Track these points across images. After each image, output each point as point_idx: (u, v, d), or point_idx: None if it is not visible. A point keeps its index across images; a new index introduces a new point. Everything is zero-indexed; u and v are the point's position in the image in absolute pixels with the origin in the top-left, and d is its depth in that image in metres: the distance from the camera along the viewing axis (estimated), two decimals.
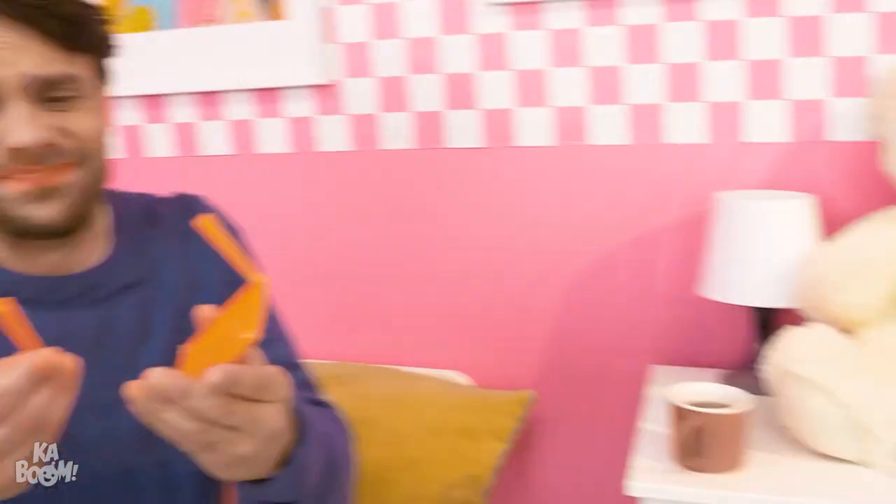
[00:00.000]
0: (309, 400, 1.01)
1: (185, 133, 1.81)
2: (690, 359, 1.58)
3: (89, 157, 0.86)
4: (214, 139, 1.79)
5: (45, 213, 0.83)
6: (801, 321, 1.26)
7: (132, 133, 1.84)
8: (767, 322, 1.39)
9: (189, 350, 0.67)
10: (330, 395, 1.52)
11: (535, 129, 1.58)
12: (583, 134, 1.56)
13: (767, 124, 1.46)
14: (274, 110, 1.73)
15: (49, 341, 0.82)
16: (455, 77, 1.60)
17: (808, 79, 1.42)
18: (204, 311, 0.68)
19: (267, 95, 1.73)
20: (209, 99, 1.77)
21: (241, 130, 1.77)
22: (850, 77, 1.40)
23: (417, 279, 1.71)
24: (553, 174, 1.59)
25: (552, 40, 1.53)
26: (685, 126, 1.50)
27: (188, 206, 1.04)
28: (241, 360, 0.65)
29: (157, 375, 0.62)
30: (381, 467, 1.41)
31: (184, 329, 0.91)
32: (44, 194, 0.83)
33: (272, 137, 1.75)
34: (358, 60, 1.66)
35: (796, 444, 1.19)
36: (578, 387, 1.66)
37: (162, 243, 0.99)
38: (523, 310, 1.66)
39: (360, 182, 1.71)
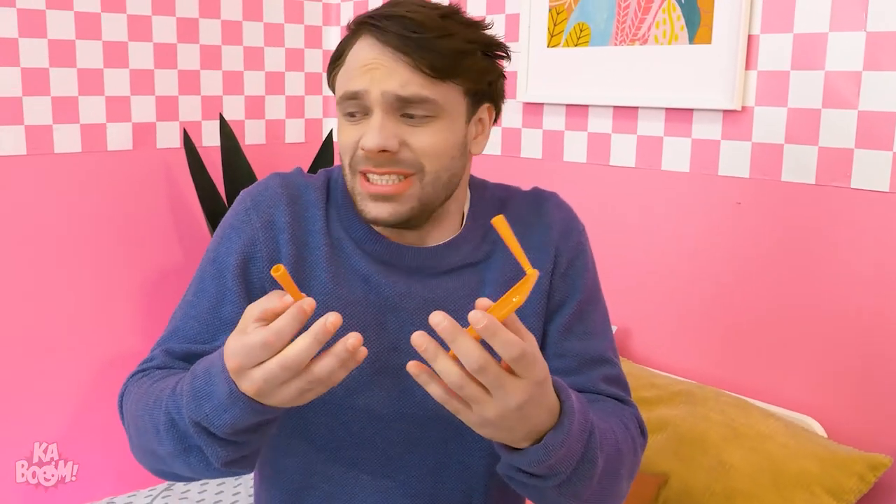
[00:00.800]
0: (612, 395, 1.09)
1: (600, 143, 1.94)
2: None
3: (426, 169, 1.01)
4: (624, 151, 1.90)
5: (378, 212, 1.02)
6: None
7: (555, 138, 2.03)
8: None
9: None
10: (672, 410, 1.56)
11: None
12: None
13: None
14: (681, 130, 1.79)
15: (391, 300, 1.02)
16: (868, 115, 1.51)
17: None
18: (482, 302, 0.80)
19: (677, 115, 1.80)
20: (623, 113, 1.89)
21: (650, 146, 1.85)
22: None
23: (791, 312, 1.65)
24: None
25: None
26: None
27: (539, 200, 1.15)
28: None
29: (439, 318, 0.76)
30: (700, 491, 1.42)
31: None
32: (379, 198, 1.01)
33: (677, 156, 1.81)
34: (772, 89, 1.64)
35: None
36: None
37: None
38: None
39: (756, 209, 1.70)
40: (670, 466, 1.49)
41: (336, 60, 1.05)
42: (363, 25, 1.01)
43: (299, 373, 0.77)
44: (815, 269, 1.62)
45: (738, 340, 1.74)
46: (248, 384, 0.79)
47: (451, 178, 1.05)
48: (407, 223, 1.04)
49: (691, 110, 1.78)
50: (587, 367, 1.09)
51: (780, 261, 1.67)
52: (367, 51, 0.99)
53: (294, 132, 2.69)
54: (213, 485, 2.44)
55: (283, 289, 0.78)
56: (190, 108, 2.44)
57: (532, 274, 0.79)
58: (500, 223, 0.80)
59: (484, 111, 1.08)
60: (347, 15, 2.66)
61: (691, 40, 1.75)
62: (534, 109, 2.08)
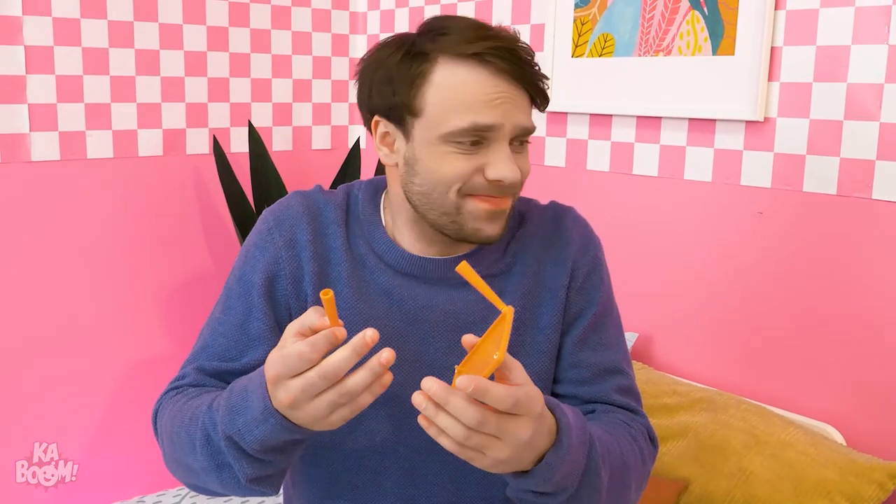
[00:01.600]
0: (624, 405, 1.11)
1: (623, 152, 1.97)
2: None
3: (519, 188, 1.07)
4: (647, 160, 1.92)
5: (492, 229, 1.05)
6: None
7: (579, 146, 2.06)
8: None
9: (459, 369, 0.85)
10: (693, 417, 1.58)
11: None
12: None
13: None
14: (704, 140, 1.81)
15: (413, 313, 1.05)
16: (890, 127, 1.53)
17: None
18: (468, 339, 0.86)
19: (700, 125, 1.82)
20: (646, 123, 1.91)
21: (672, 156, 1.87)
22: None
23: (811, 321, 1.67)
24: None
25: None
26: None
27: (557, 215, 1.18)
28: (501, 378, 0.84)
29: (429, 384, 0.80)
30: (720, 497, 1.44)
31: (521, 322, 1.08)
32: (495, 216, 1.04)
33: (699, 166, 1.83)
34: (795, 100, 1.66)
35: None
36: None
37: (523, 243, 1.14)
38: None
39: (777, 219, 1.71)
40: (691, 472, 1.51)
41: (415, 80, 1.02)
42: (470, 56, 1.00)
43: (334, 384, 0.81)
44: (836, 279, 1.63)
45: (759, 348, 1.76)
46: (285, 394, 0.82)
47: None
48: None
49: (714, 121, 1.80)
50: (601, 377, 1.12)
51: (801, 270, 1.68)
52: (490, 82, 1.00)
53: (321, 139, 2.73)
54: None
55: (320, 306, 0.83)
56: (219, 115, 2.48)
57: (507, 311, 0.83)
58: (464, 270, 0.84)
59: None
60: (374, 24, 2.69)
61: (715, 51, 1.77)
62: (558, 118, 2.11)
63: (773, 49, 1.68)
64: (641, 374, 1.80)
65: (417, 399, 0.82)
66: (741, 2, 1.71)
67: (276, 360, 0.83)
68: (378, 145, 1.08)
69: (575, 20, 2.03)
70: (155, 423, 1.10)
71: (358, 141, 2.55)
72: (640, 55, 1.90)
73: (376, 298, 1.08)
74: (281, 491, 1.09)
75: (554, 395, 1.12)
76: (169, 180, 2.42)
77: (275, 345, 1.04)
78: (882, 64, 1.53)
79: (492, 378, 0.81)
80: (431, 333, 1.08)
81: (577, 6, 2.02)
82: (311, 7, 2.63)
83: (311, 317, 0.83)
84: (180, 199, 2.45)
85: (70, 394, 2.33)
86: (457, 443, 0.82)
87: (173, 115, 2.39)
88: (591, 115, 2.03)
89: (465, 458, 0.84)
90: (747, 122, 1.74)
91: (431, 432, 0.83)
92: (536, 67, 1.03)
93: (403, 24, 2.57)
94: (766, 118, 1.71)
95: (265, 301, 1.07)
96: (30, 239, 2.21)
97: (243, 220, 2.32)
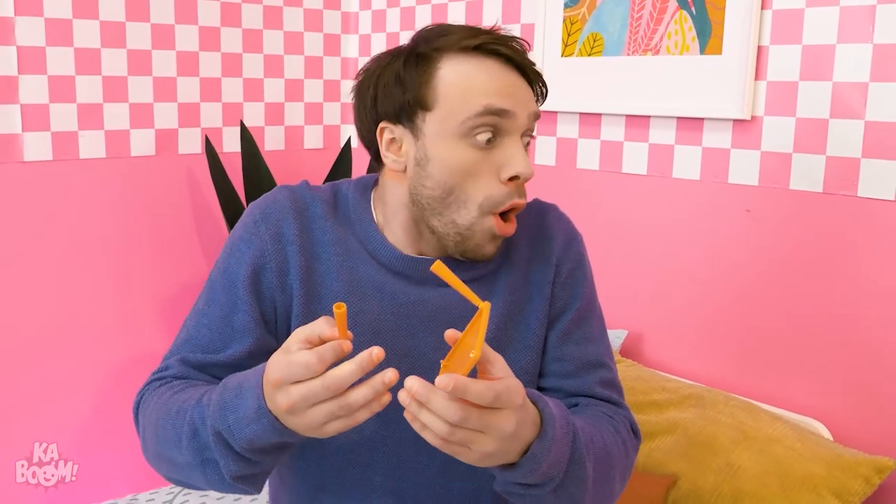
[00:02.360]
0: (607, 398, 1.13)
1: (613, 150, 1.98)
2: None
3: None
4: (636, 159, 1.94)
5: (491, 248, 1.07)
6: None
7: (568, 145, 2.07)
8: None
9: (443, 364, 0.87)
10: (682, 413, 1.60)
11: None
12: None
13: None
14: (692, 139, 1.83)
15: (404, 307, 1.06)
16: (875, 125, 1.54)
17: None
18: (450, 333, 0.88)
19: (688, 124, 1.83)
20: (635, 121, 1.93)
21: (661, 154, 1.89)
22: None
23: (799, 317, 1.68)
24: None
25: None
26: None
27: (541, 213, 1.19)
28: (483, 372, 0.86)
29: (411, 383, 0.82)
30: (708, 492, 1.45)
31: (509, 318, 1.09)
32: (499, 238, 1.07)
33: (687, 164, 1.84)
34: (781, 99, 1.68)
35: None
36: None
37: (509, 242, 1.15)
38: None
39: (764, 217, 1.73)
40: (679, 468, 1.53)
41: (426, 75, 1.03)
42: (478, 49, 1.03)
43: (335, 396, 0.82)
44: (822, 276, 1.65)
45: (747, 345, 1.78)
46: (284, 398, 0.83)
47: None
48: None
49: (702, 119, 1.81)
50: (584, 370, 1.14)
51: (788, 267, 1.70)
52: (500, 71, 1.03)
53: (313, 138, 2.74)
54: None
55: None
56: (211, 115, 2.49)
57: (484, 307, 0.85)
58: (439, 268, 0.86)
59: None
60: (366, 23, 2.70)
61: (702, 51, 1.78)
62: (548, 118, 2.12)
63: (759, 48, 1.70)
64: (631, 371, 1.81)
65: (402, 397, 0.83)
66: (728, 2, 1.72)
67: (282, 365, 0.83)
68: (384, 153, 1.08)
69: (564, 20, 2.04)
70: (136, 414, 1.10)
71: (349, 140, 2.56)
72: (628, 55, 1.92)
73: (367, 293, 1.09)
74: (267, 483, 1.09)
75: (539, 388, 1.14)
76: (161, 180, 2.43)
77: (259, 338, 1.06)
78: (867, 63, 1.55)
79: (474, 372, 0.83)
80: (422, 328, 1.09)
81: (566, 6, 2.04)
82: (302, 7, 2.64)
83: (321, 326, 0.84)
84: (173, 199, 2.46)
85: (70, 394, 2.34)
86: (441, 438, 0.84)
87: (165, 115, 2.40)
88: (580, 114, 2.04)
89: (450, 452, 0.86)
90: (735, 120, 1.75)
91: (416, 427, 0.85)
92: (533, 65, 1.07)
93: (395, 24, 2.58)
94: (753, 117, 1.72)
95: (250, 294, 1.08)
96: (23, 239, 2.22)
97: (236, 220, 2.32)
